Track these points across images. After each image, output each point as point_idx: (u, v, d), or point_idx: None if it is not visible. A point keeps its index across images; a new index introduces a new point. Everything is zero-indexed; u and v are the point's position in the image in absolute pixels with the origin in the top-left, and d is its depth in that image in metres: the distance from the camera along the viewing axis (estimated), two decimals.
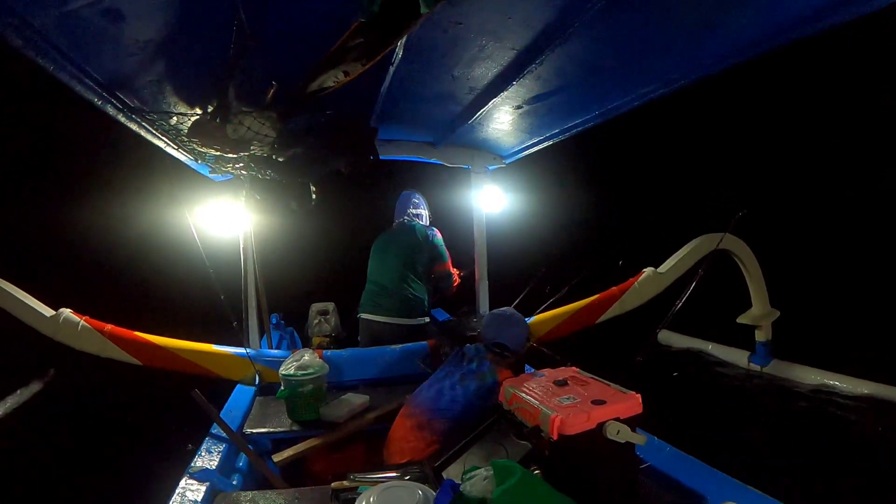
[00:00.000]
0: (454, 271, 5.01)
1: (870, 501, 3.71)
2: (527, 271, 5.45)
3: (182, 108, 2.93)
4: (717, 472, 2.46)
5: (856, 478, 4.01)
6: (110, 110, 2.68)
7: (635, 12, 2.07)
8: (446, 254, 4.92)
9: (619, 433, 2.03)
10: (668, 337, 7.84)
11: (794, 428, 4.90)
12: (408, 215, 5.01)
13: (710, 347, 7.11)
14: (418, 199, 5.12)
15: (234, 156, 3.02)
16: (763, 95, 10.86)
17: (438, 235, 4.92)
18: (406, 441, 2.88)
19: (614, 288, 4.67)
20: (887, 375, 5.23)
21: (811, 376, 5.72)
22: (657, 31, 2.29)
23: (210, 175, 4.32)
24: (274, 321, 6.23)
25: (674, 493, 2.41)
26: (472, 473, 1.98)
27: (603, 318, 4.60)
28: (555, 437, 2.01)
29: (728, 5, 2.04)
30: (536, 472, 2.08)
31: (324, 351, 4.11)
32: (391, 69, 2.64)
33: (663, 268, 4.81)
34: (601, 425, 2.05)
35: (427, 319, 4.91)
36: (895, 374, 5.25)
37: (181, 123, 3.04)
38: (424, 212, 5.12)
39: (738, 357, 6.53)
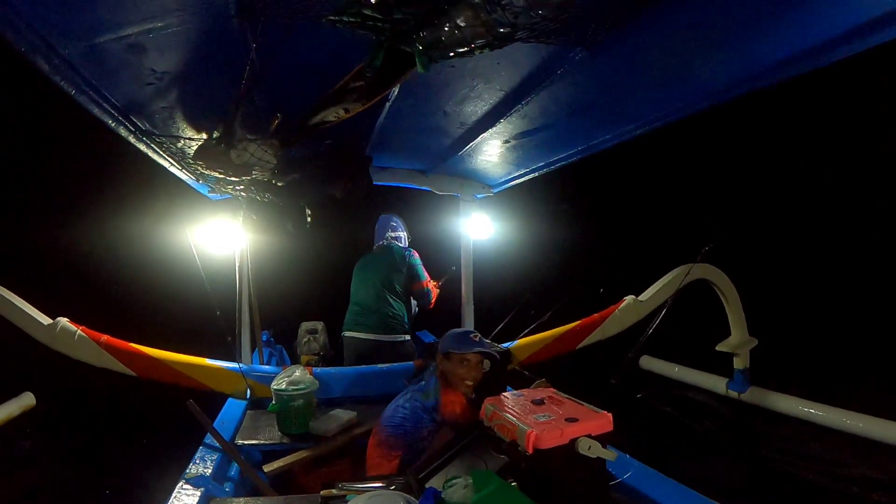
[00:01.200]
0: (432, 287, 5.18)
1: None
2: (511, 296, 5.58)
3: (189, 133, 3.06)
4: (685, 488, 2.61)
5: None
6: (122, 132, 2.82)
7: (613, 62, 2.22)
8: (423, 272, 5.11)
9: (591, 448, 2.18)
10: (649, 362, 7.95)
11: (766, 452, 5.03)
12: (386, 239, 5.24)
13: (690, 373, 7.21)
14: (396, 222, 5.34)
15: (236, 179, 3.15)
16: (743, 130, 11.05)
17: (416, 256, 5.13)
18: (372, 458, 3.03)
19: (596, 315, 4.80)
20: (862, 404, 5.36)
21: (787, 404, 5.84)
22: (634, 78, 2.45)
23: (209, 194, 4.43)
24: (265, 338, 6.32)
25: None
26: (453, 482, 2.13)
27: (584, 343, 4.72)
28: (530, 450, 2.15)
29: (699, 57, 2.19)
30: (513, 483, 2.22)
31: (314, 368, 4.24)
32: (387, 105, 2.80)
33: (644, 296, 4.94)
34: (573, 441, 2.20)
35: (407, 336, 5.08)
36: (869, 402, 5.38)
37: (187, 147, 3.16)
38: (403, 233, 5.34)
39: (716, 383, 6.65)
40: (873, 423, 5.10)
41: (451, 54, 1.54)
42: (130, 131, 2.85)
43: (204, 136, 3.06)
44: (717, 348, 6.08)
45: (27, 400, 6.36)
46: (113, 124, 2.71)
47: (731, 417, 6.03)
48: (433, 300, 5.23)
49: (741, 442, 5.33)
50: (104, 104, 2.50)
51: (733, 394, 6.34)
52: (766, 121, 10.87)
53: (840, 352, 7.94)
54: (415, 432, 3.01)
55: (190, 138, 3.08)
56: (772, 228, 11.25)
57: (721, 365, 6.41)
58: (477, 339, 3.15)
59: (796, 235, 11.14)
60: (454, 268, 5.27)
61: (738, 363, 6.17)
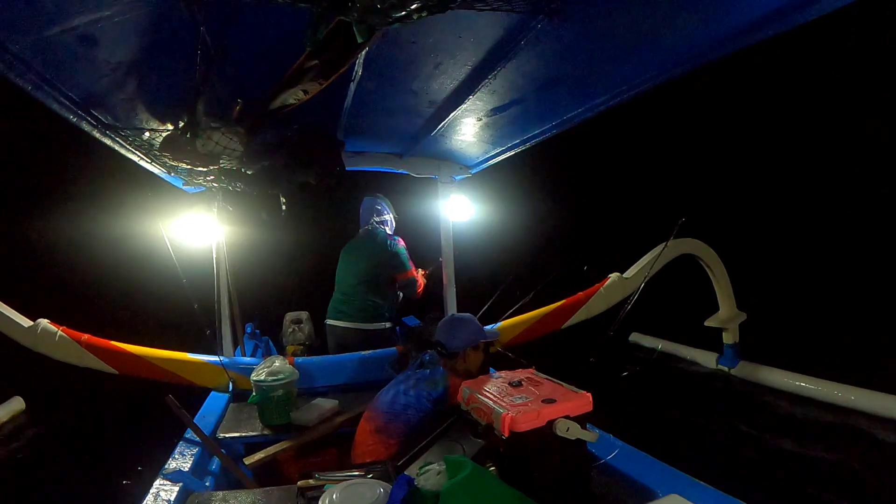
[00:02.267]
0: (418, 276, 5.11)
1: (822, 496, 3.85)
2: (494, 278, 5.56)
3: (154, 125, 3.00)
4: (668, 467, 2.57)
5: (813, 475, 4.14)
6: (85, 126, 2.75)
7: (575, 29, 2.16)
8: (408, 262, 5.01)
9: (569, 430, 2.14)
10: (639, 339, 7.97)
11: (757, 426, 5.03)
12: (371, 224, 5.14)
13: (680, 349, 7.23)
14: (381, 205, 5.24)
15: (205, 169, 3.09)
16: (729, 95, 11.02)
17: (400, 244, 5.02)
18: (366, 444, 3.00)
19: (580, 294, 4.78)
20: (852, 376, 5.36)
21: (777, 377, 5.85)
22: (599, 46, 2.38)
23: (184, 187, 4.36)
24: (249, 330, 6.29)
25: (625, 488, 2.52)
26: (427, 468, 2.08)
27: (569, 322, 4.71)
28: (506, 434, 2.11)
29: (666, 20, 2.13)
30: (491, 468, 2.18)
31: (295, 358, 4.20)
32: (352, 86, 2.74)
33: (629, 273, 4.93)
34: (551, 423, 2.16)
35: (388, 325, 5.04)
36: (860, 374, 5.38)
37: (153, 139, 3.09)
38: (389, 216, 5.25)
39: (706, 358, 6.66)
40: (863, 395, 5.12)
41: (390, 20, 1.48)
42: (93, 125, 2.79)
43: (169, 126, 3.01)
44: (706, 323, 6.09)
45: (17, 405, 6.37)
46: (74, 119, 2.64)
47: (722, 392, 6.04)
48: (420, 289, 5.16)
49: (730, 417, 5.31)
50: (62, 99, 2.43)
51: (723, 369, 6.37)
52: (747, 85, 10.84)
53: (830, 325, 7.93)
54: (416, 420, 2.98)
55: (155, 129, 3.02)
56: (757, 201, 11.25)
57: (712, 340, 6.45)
58: None
59: (782, 208, 11.14)
60: (441, 258, 5.23)
61: (728, 338, 6.19)
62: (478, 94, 2.87)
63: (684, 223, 3.71)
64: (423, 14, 1.51)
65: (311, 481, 2.37)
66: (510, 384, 2.45)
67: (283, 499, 2.44)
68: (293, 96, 2.33)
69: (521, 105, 3.16)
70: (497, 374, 2.69)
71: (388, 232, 5.18)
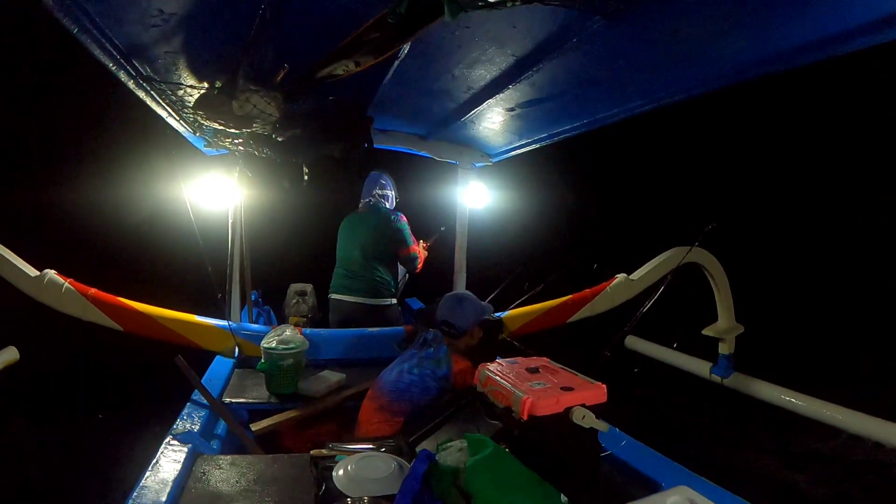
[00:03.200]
0: (419, 250, 5.15)
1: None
2: (505, 267, 5.58)
3: (192, 81, 2.98)
4: (672, 461, 2.62)
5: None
6: (122, 76, 2.75)
7: (629, 34, 2.18)
8: (410, 237, 5.04)
9: (585, 418, 2.17)
10: (634, 342, 7.99)
11: (744, 436, 5.10)
12: (374, 196, 5.14)
13: (675, 356, 7.25)
14: (385, 179, 5.25)
15: (237, 131, 3.10)
16: (742, 115, 11.03)
17: (402, 220, 5.04)
18: (370, 422, 3.03)
19: (587, 290, 4.80)
20: (845, 397, 5.41)
21: (769, 392, 5.89)
22: (648, 53, 2.40)
23: (204, 149, 4.37)
24: (253, 298, 6.30)
25: (631, 479, 2.57)
26: (447, 445, 2.12)
27: (574, 318, 4.73)
28: (525, 417, 2.14)
29: (717, 35, 2.16)
30: (506, 448, 2.22)
31: (303, 329, 4.22)
32: (395, 63, 2.75)
33: (636, 275, 4.93)
34: (568, 410, 2.19)
35: (394, 300, 5.08)
36: (852, 395, 5.43)
37: (188, 95, 3.09)
38: (391, 192, 5.26)
39: (700, 367, 6.69)
40: (854, 418, 5.17)
41: (482, 3, 1.49)
42: (131, 76, 2.78)
43: (206, 85, 3.00)
44: (704, 332, 6.09)
45: (10, 354, 6.32)
46: (114, 67, 2.64)
47: (712, 401, 6.08)
48: (420, 264, 5.20)
49: (719, 425, 5.38)
50: (107, 45, 2.42)
51: (716, 378, 6.38)
52: (769, 107, 10.86)
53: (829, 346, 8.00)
54: (420, 399, 3.02)
55: (192, 86, 3.01)
56: (769, 218, 11.27)
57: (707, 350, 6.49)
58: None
59: (794, 226, 11.18)
60: (443, 228, 5.25)
61: (724, 348, 6.18)
62: (517, 85, 2.89)
63: (711, 230, 3.74)
64: (517, 3, 1.52)
65: (323, 451, 2.38)
66: (528, 370, 2.48)
67: (293, 466, 2.45)
68: (343, 67, 2.35)
69: (556, 101, 3.18)
70: (512, 359, 2.71)
71: (390, 206, 5.20)
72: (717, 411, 5.81)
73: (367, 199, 5.18)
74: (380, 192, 5.18)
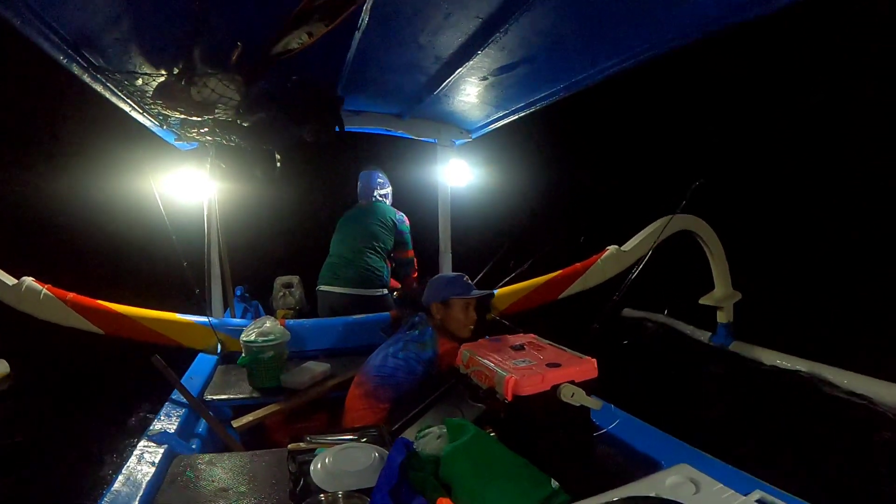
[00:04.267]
0: (413, 256, 5.07)
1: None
2: (491, 245, 5.49)
3: (147, 69, 2.87)
4: (671, 438, 2.51)
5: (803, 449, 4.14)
6: (76, 69, 2.63)
7: None
8: (410, 242, 4.97)
9: (574, 396, 2.06)
10: (632, 314, 7.95)
11: (749, 404, 5.02)
12: (374, 197, 5.03)
13: (673, 326, 7.21)
14: (383, 178, 5.13)
15: (199, 119, 2.99)
16: (729, 71, 10.85)
17: (406, 222, 4.97)
18: (356, 409, 2.94)
19: (577, 264, 4.71)
20: (846, 360, 5.35)
21: (770, 358, 5.82)
22: (620, 2, 2.30)
23: (175, 143, 4.27)
24: (239, 293, 6.22)
25: (629, 458, 2.46)
26: (426, 432, 2.01)
27: (565, 293, 4.64)
28: (509, 398, 2.04)
29: None
30: (491, 433, 2.11)
31: (287, 320, 4.12)
32: (357, 35, 2.62)
33: (627, 246, 4.85)
34: (556, 387, 2.08)
35: (385, 291, 4.95)
36: (854, 358, 5.36)
37: (146, 85, 2.98)
38: (389, 189, 5.15)
39: (699, 336, 6.63)
40: (853, 379, 5.10)
41: None
42: (84, 68, 2.66)
43: (163, 72, 2.89)
44: (701, 302, 6.04)
45: (1, 368, 6.25)
46: (65, 60, 2.52)
47: (714, 370, 6.02)
48: (415, 274, 5.12)
49: (721, 394, 5.31)
50: (53, 36, 2.31)
51: (716, 347, 6.32)
52: (755, 55, 10.68)
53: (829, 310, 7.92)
54: (406, 383, 2.92)
55: (148, 74, 2.89)
56: (761, 178, 11.13)
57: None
58: (471, 282, 3.13)
59: (789, 189, 11.05)
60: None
61: (722, 317, 6.14)
62: (486, 49, 2.77)
63: (698, 188, 3.64)
64: None
65: (301, 444, 2.29)
66: (512, 348, 2.37)
67: (272, 462, 2.35)
68: (297, 39, 2.24)
69: (530, 65, 3.07)
70: (496, 337, 2.61)
71: (391, 206, 5.09)
72: (719, 382, 5.73)
73: (368, 199, 5.06)
74: (381, 191, 5.07)
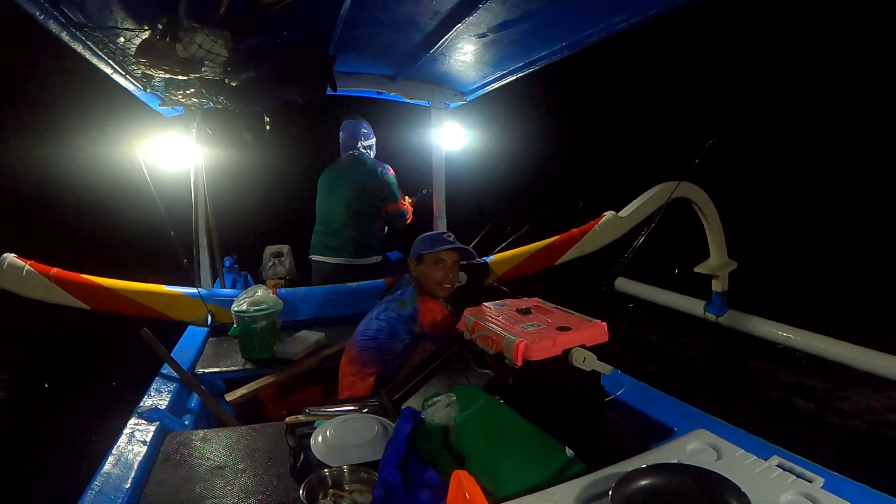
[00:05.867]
0: (406, 205, 4.95)
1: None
2: (487, 210, 5.42)
3: (130, 25, 2.71)
4: (683, 403, 2.45)
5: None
6: (53, 26, 2.49)
7: None
8: (398, 192, 4.84)
9: (586, 360, 1.97)
10: (624, 284, 7.89)
11: (742, 372, 5.03)
12: (357, 148, 4.87)
13: (667, 296, 7.16)
14: (367, 128, 4.96)
15: (185, 78, 2.87)
16: (735, 33, 10.70)
17: (390, 173, 4.81)
18: (345, 378, 2.90)
19: (574, 230, 4.64)
20: (841, 330, 5.33)
21: (764, 328, 5.79)
22: None
23: (160, 109, 4.14)
24: (227, 264, 6.12)
25: (641, 424, 2.40)
26: (434, 400, 1.93)
27: (563, 259, 4.58)
28: (519, 363, 1.94)
29: None
30: (500, 400, 2.02)
31: (278, 289, 4.05)
32: None
33: (624, 212, 4.78)
34: (567, 352, 1.99)
35: (379, 258, 4.88)
36: (849, 328, 5.34)
37: (129, 42, 2.82)
38: (374, 141, 4.99)
39: (694, 306, 6.58)
40: (848, 350, 5.08)
41: None
42: (62, 24, 2.52)
43: (146, 28, 2.74)
44: (696, 270, 5.98)
45: None
46: (41, 16, 2.38)
47: (709, 339, 6.02)
48: (409, 218, 5.00)
49: (716, 364, 5.30)
50: None
51: (711, 317, 6.27)
52: (764, 20, 10.54)
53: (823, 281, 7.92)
54: (390, 346, 2.86)
55: (130, 30, 2.74)
56: (761, 146, 11.05)
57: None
58: (450, 237, 3.03)
59: (789, 156, 10.98)
60: (425, 191, 5.05)
61: (717, 286, 6.08)
62: (487, 4, 2.64)
63: (712, 145, 3.55)
64: None
65: (300, 417, 2.22)
66: (518, 311, 2.27)
67: (269, 437, 2.26)
68: None
69: (531, 20, 2.94)
70: (501, 301, 2.51)
71: (374, 157, 4.94)
72: (714, 351, 5.72)
73: (350, 152, 4.88)
74: (364, 142, 4.89)
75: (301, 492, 1.67)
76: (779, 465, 1.62)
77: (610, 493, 1.40)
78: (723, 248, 5.80)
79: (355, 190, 4.70)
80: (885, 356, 4.75)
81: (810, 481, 1.54)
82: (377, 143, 5.06)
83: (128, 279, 3.78)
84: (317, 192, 4.94)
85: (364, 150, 4.87)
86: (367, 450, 1.89)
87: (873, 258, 8.50)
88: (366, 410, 2.23)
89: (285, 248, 5.60)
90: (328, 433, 1.98)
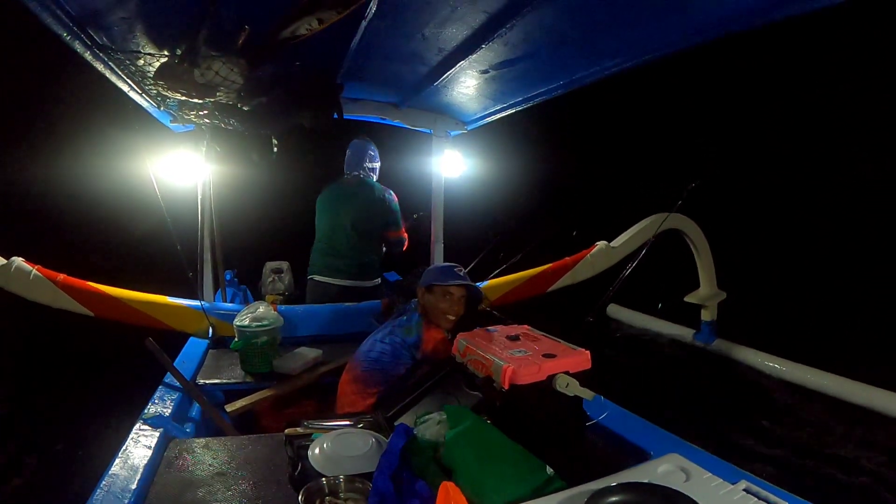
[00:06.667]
0: (405, 233, 5.01)
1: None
2: (482, 236, 5.52)
3: (151, 49, 2.85)
4: (660, 429, 2.56)
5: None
6: (78, 47, 2.60)
7: None
8: (401, 220, 4.90)
9: (568, 386, 2.09)
10: (616, 311, 7.99)
11: (729, 401, 5.11)
12: (364, 169, 4.91)
13: (657, 323, 7.26)
14: (374, 151, 5.00)
15: (200, 101, 2.98)
16: (724, 75, 10.85)
17: (395, 200, 4.86)
18: (346, 395, 2.99)
19: (567, 258, 4.75)
20: (826, 362, 5.42)
21: (752, 357, 5.90)
22: (626, 5, 2.32)
23: (171, 125, 4.24)
24: (228, 278, 6.19)
25: (619, 447, 2.50)
26: (426, 418, 2.04)
27: (555, 286, 4.68)
28: (506, 386, 2.06)
29: None
30: (487, 420, 2.14)
31: (278, 305, 4.12)
32: (363, 24, 2.63)
33: (616, 242, 4.90)
34: (551, 377, 2.11)
35: (379, 280, 4.95)
36: (833, 360, 5.44)
37: (148, 65, 2.96)
38: (378, 164, 5.04)
39: (683, 334, 6.69)
40: (834, 382, 5.18)
41: None
42: (87, 46, 2.64)
43: (166, 53, 2.87)
44: (686, 299, 6.11)
45: None
46: (68, 37, 2.49)
47: (696, 367, 6.10)
48: (406, 245, 5.07)
49: (704, 392, 5.39)
50: (58, 12, 2.27)
51: (700, 345, 6.39)
52: (753, 64, 10.68)
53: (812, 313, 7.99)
54: (392, 369, 2.97)
55: (151, 54, 2.88)
56: (751, 181, 11.16)
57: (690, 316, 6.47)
58: (461, 272, 3.13)
59: (778, 191, 11.09)
60: (415, 215, 5.15)
61: (706, 315, 6.22)
62: (490, 44, 2.78)
63: (693, 189, 3.68)
64: None
65: (299, 429, 2.31)
66: (508, 338, 2.40)
67: (268, 446, 2.35)
68: (306, 25, 2.25)
69: (531, 60, 3.09)
70: (492, 328, 2.64)
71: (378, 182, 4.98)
72: (701, 379, 5.81)
73: (357, 172, 4.90)
74: (370, 164, 4.93)
75: (300, 498, 1.78)
76: (745, 490, 1.72)
77: None
78: (712, 279, 5.93)
79: (362, 212, 4.73)
80: (870, 388, 4.87)
81: None
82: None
83: (131, 289, 3.87)
84: (316, 210, 4.95)
85: (370, 173, 4.93)
86: (362, 462, 1.97)
87: (863, 288, 8.59)
88: (361, 425, 2.33)
89: (285, 265, 5.70)
90: (326, 445, 2.06)
